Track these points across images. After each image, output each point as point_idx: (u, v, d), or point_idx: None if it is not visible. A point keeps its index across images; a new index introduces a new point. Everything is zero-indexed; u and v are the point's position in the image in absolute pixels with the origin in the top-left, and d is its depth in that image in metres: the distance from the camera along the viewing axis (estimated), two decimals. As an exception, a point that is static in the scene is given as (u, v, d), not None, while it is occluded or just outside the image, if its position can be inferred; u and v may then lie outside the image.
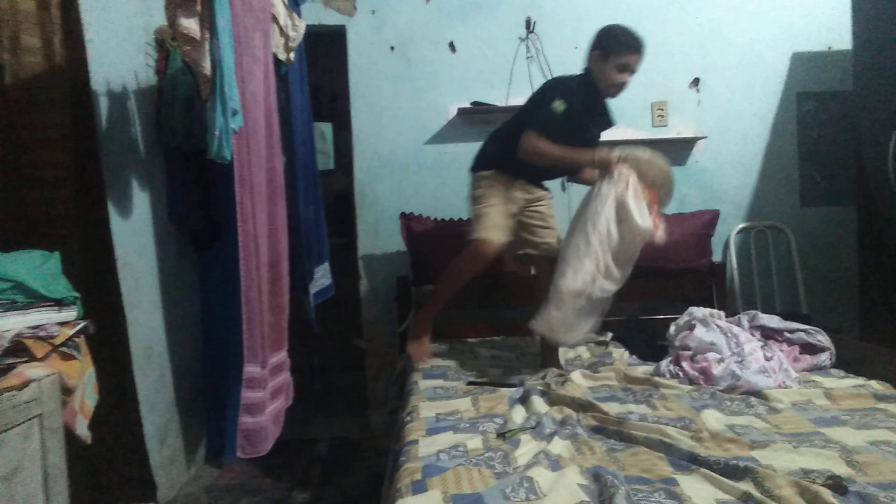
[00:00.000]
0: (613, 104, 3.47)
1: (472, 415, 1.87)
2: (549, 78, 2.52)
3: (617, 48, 2.27)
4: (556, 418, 1.80)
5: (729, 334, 2.30)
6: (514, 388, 2.11)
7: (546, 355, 2.45)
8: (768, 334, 2.43)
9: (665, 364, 2.30)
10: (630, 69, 2.29)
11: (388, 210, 3.28)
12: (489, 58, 3.30)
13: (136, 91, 2.35)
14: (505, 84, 3.30)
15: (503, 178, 2.41)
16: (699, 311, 2.48)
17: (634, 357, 2.56)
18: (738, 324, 2.46)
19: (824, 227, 3.40)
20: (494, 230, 2.35)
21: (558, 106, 2.24)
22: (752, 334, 2.39)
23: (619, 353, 2.56)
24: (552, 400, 1.95)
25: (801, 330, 2.40)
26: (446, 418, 1.85)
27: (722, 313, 2.52)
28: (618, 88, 2.32)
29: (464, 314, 3.24)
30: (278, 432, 2.35)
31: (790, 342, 2.38)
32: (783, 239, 3.37)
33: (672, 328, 2.52)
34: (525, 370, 2.40)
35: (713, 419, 1.78)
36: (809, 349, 2.35)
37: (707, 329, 2.34)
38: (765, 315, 2.50)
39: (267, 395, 2.23)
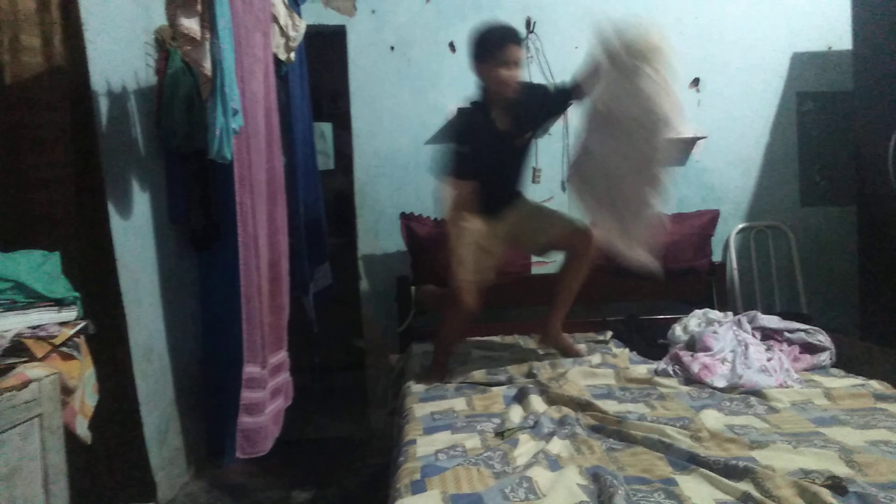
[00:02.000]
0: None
1: (467, 413, 1.87)
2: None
3: (490, 50, 2.22)
4: (554, 417, 1.80)
5: (731, 333, 2.30)
6: (508, 387, 2.11)
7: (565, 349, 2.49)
8: (768, 334, 2.43)
9: (664, 363, 2.30)
10: (513, 61, 2.21)
11: (388, 210, 3.28)
12: (489, 58, 3.30)
13: (136, 91, 2.35)
14: (505, 84, 3.30)
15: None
16: (712, 314, 2.48)
17: (634, 354, 2.56)
18: (739, 325, 2.46)
19: (824, 227, 3.40)
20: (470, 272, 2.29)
21: (460, 148, 2.26)
22: (754, 335, 2.39)
23: (620, 352, 2.56)
24: (550, 399, 1.95)
25: (801, 330, 2.40)
26: (442, 417, 1.85)
27: (730, 313, 2.51)
28: (508, 85, 2.24)
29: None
30: (278, 432, 2.35)
31: (790, 342, 2.38)
32: (783, 239, 3.37)
33: (678, 329, 2.53)
34: (511, 367, 2.41)
35: (712, 419, 1.78)
36: (809, 349, 2.35)
37: (711, 328, 2.34)
38: (765, 316, 2.50)
39: (267, 394, 2.23)
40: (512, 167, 2.48)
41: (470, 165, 2.24)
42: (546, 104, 2.50)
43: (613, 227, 2.17)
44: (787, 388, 2.04)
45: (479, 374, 2.30)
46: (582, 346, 2.60)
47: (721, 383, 2.08)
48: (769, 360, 2.18)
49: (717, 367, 2.14)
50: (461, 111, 2.38)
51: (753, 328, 2.45)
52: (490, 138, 2.30)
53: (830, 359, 2.31)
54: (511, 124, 2.36)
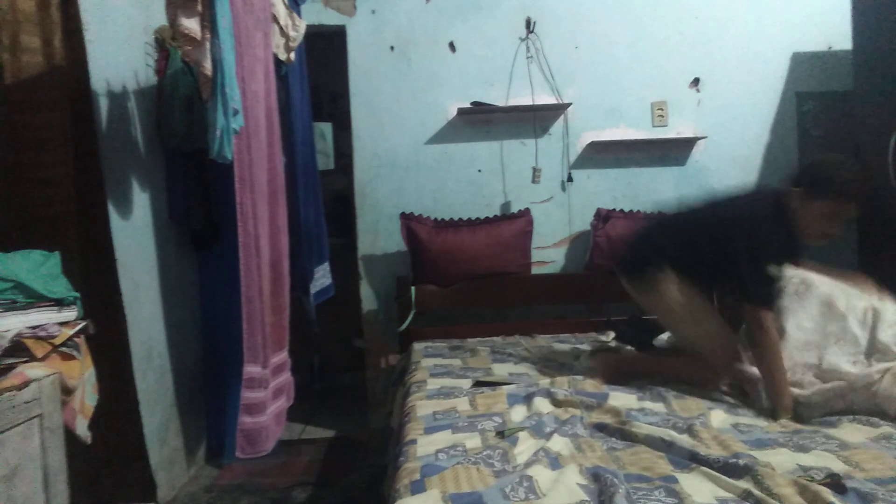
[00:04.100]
0: (612, 103, 3.47)
1: (470, 413, 1.87)
2: (747, 210, 2.03)
3: (834, 193, 1.90)
4: (559, 417, 1.80)
5: None
6: (516, 387, 2.10)
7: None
8: None
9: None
10: (843, 220, 1.94)
11: (388, 210, 3.28)
12: (489, 58, 3.30)
13: (136, 91, 2.35)
14: (505, 84, 3.30)
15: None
16: None
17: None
18: None
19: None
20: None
21: (775, 273, 1.93)
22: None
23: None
24: (557, 401, 1.94)
25: None
26: (444, 417, 1.85)
27: None
28: (825, 239, 1.97)
29: (464, 314, 3.24)
30: (280, 431, 2.36)
31: None
32: (783, 239, 3.37)
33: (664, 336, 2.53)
34: (534, 374, 2.39)
35: (719, 419, 1.78)
36: None
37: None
38: None
39: (269, 394, 2.23)
40: None
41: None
42: None
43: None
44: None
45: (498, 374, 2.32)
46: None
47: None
48: None
49: None
50: (776, 227, 1.97)
51: None
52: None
53: None
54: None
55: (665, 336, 2.53)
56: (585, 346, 2.68)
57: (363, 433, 3.19)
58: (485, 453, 1.51)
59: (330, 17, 3.26)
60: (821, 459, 1.46)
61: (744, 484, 1.33)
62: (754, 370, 2.02)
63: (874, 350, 1.91)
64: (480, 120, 3.30)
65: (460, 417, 1.83)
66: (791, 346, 2.00)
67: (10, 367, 1.28)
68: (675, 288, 2.07)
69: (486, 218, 3.20)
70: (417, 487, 1.37)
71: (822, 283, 2.09)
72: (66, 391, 1.40)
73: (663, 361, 2.29)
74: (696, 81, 3.36)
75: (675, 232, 2.19)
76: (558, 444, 1.59)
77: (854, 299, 2.03)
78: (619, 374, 2.18)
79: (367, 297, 3.32)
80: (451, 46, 3.30)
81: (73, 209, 1.81)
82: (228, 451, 2.19)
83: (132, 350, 2.06)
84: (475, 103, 3.24)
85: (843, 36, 3.12)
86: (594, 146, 3.30)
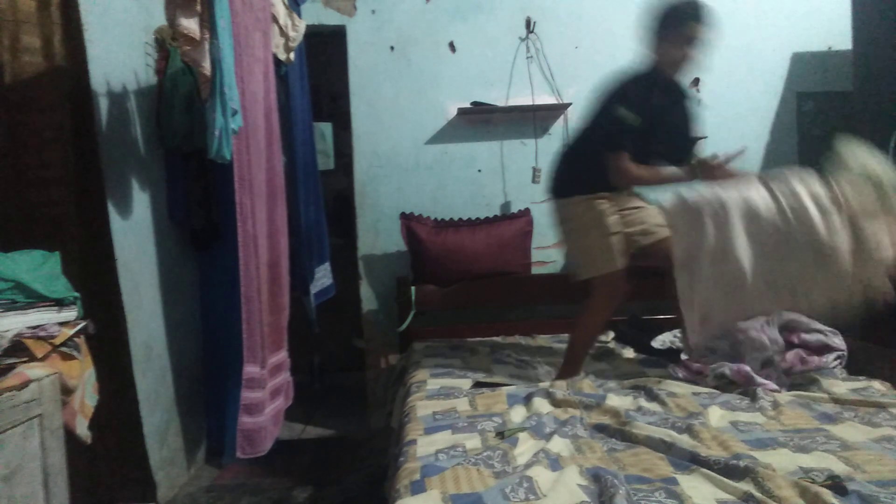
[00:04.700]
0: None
1: (470, 413, 1.87)
2: (610, 80, 2.24)
3: (678, 22, 2.09)
4: (559, 418, 1.80)
5: (728, 337, 2.28)
6: (516, 387, 2.10)
7: (571, 364, 2.31)
8: (785, 338, 2.39)
9: (670, 370, 2.29)
10: (698, 41, 2.10)
11: (388, 210, 3.28)
12: (489, 58, 3.30)
13: (136, 91, 2.35)
14: (505, 84, 3.30)
15: (592, 198, 2.24)
16: None
17: (635, 353, 2.57)
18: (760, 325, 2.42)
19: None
20: (611, 260, 2.18)
21: (624, 115, 2.09)
22: (764, 332, 2.33)
23: (624, 353, 2.56)
24: (556, 402, 1.94)
25: (819, 331, 2.37)
26: (444, 417, 1.85)
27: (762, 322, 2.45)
28: (687, 64, 2.15)
29: (464, 314, 3.24)
30: (277, 432, 2.35)
31: (802, 344, 2.35)
32: (783, 239, 3.37)
33: (666, 337, 2.54)
34: (535, 374, 2.39)
35: (716, 417, 1.78)
36: (822, 350, 2.31)
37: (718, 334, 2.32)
38: (786, 312, 2.45)
39: (266, 395, 2.23)
40: (651, 154, 2.27)
41: (635, 138, 2.11)
42: (687, 119, 2.37)
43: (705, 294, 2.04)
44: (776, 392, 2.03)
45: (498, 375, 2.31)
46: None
47: (712, 382, 2.08)
48: (766, 363, 2.17)
49: (707, 372, 2.14)
50: (629, 79, 2.18)
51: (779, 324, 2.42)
52: (648, 115, 2.14)
53: (841, 361, 2.28)
54: (661, 110, 2.23)
55: (663, 336, 2.54)
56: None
57: (363, 433, 3.19)
58: (485, 454, 1.51)
59: (330, 17, 3.26)
60: (822, 460, 1.46)
61: (744, 485, 1.33)
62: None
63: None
64: (480, 120, 3.30)
65: (460, 418, 1.83)
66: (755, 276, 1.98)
67: (10, 367, 1.28)
68: (579, 207, 2.24)
69: (486, 218, 3.20)
70: (417, 488, 1.37)
71: (732, 198, 2.05)
72: (66, 391, 1.40)
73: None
74: (696, 81, 3.36)
75: (571, 149, 2.41)
76: (558, 444, 1.59)
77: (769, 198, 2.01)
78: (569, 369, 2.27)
79: (367, 297, 3.32)
80: (451, 46, 3.30)
81: (73, 209, 1.81)
82: (228, 451, 2.19)
83: (132, 350, 2.06)
84: (475, 103, 3.24)
85: (843, 36, 3.12)
86: (594, 146, 3.29)
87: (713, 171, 2.11)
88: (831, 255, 1.87)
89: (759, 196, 2.00)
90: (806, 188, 1.95)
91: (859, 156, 1.97)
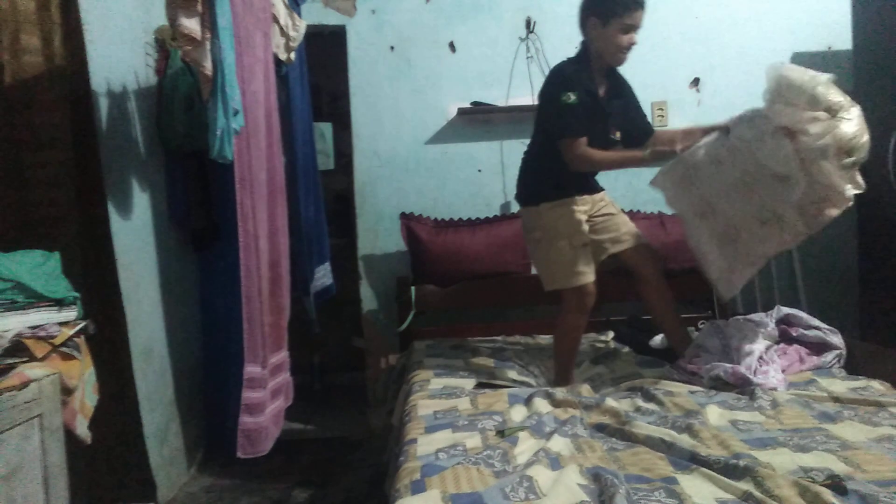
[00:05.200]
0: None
1: (470, 412, 1.87)
2: (549, 72, 2.29)
3: (615, 10, 2.08)
4: (559, 417, 1.80)
5: (723, 336, 2.28)
6: (518, 387, 2.10)
7: (562, 372, 2.30)
8: (784, 331, 2.40)
9: (666, 371, 2.29)
10: (635, 28, 2.12)
11: (388, 210, 3.28)
12: (489, 58, 3.30)
13: (136, 91, 2.35)
14: (505, 84, 3.30)
15: (559, 203, 2.19)
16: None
17: (634, 355, 2.56)
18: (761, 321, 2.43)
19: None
20: (582, 273, 2.16)
21: (568, 98, 2.06)
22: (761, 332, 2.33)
23: (623, 353, 2.56)
24: (556, 402, 1.94)
25: (818, 328, 2.37)
26: (444, 416, 1.85)
27: (762, 315, 2.46)
28: (625, 52, 2.14)
29: (464, 314, 3.24)
30: (278, 432, 2.36)
31: (802, 341, 2.36)
32: (783, 239, 3.36)
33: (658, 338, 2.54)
34: (537, 378, 2.39)
35: (715, 416, 1.78)
36: (820, 349, 2.31)
37: (709, 333, 2.32)
38: (785, 308, 2.48)
39: (267, 394, 2.23)
40: (603, 140, 2.22)
41: (583, 120, 2.08)
42: (635, 107, 2.35)
43: (714, 249, 2.12)
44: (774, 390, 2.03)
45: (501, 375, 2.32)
46: None
47: (708, 384, 2.08)
48: (763, 363, 2.17)
49: (703, 372, 2.14)
50: (564, 64, 2.19)
51: (778, 320, 2.42)
52: (591, 98, 2.13)
53: (839, 361, 2.28)
54: (605, 96, 2.22)
55: (661, 337, 2.54)
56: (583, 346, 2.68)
57: (363, 433, 3.19)
58: (485, 453, 1.51)
59: (330, 17, 3.26)
60: (821, 460, 1.46)
61: (744, 485, 1.33)
62: None
63: None
64: (480, 120, 3.30)
65: (461, 417, 1.83)
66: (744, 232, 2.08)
67: (10, 367, 1.28)
68: (548, 215, 2.21)
69: (486, 218, 3.20)
70: (418, 487, 1.37)
71: (696, 154, 2.13)
72: (66, 391, 1.40)
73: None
74: (696, 81, 3.36)
75: (530, 154, 2.36)
76: (558, 444, 1.59)
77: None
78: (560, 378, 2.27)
79: (367, 297, 3.32)
80: (451, 46, 3.30)
81: (73, 209, 1.81)
82: (228, 451, 2.19)
83: (132, 350, 2.06)
84: (475, 103, 3.24)
85: (843, 36, 3.12)
86: (594, 146, 3.29)
87: (671, 143, 2.13)
88: (790, 177, 1.95)
89: (718, 143, 2.11)
90: (756, 125, 2.05)
91: (792, 79, 2.05)
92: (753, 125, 2.05)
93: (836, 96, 1.97)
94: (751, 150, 2.01)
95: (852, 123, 1.95)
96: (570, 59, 2.23)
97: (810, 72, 2.03)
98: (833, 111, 1.94)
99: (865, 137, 1.99)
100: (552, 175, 2.20)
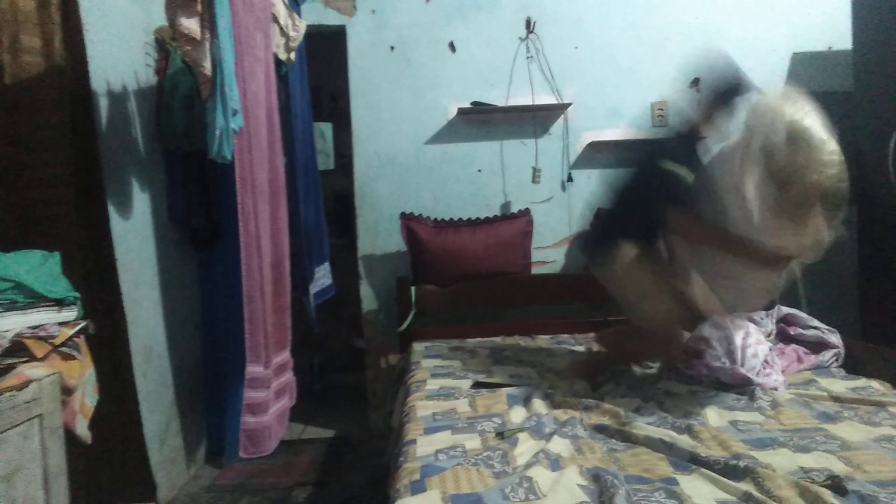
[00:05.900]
0: (612, 103, 3.47)
1: (469, 414, 1.87)
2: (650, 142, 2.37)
3: (730, 98, 2.25)
4: (558, 418, 1.80)
5: (722, 333, 2.27)
6: (516, 388, 2.10)
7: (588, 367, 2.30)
8: (782, 330, 2.39)
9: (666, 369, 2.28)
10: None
11: (388, 210, 3.28)
12: (489, 58, 3.30)
13: (136, 91, 2.35)
14: (505, 84, 3.30)
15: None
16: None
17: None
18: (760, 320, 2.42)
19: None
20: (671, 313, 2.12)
21: (671, 167, 2.09)
22: (760, 330, 2.32)
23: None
24: (556, 403, 1.94)
25: (817, 328, 2.37)
26: (444, 417, 1.85)
27: (762, 314, 2.45)
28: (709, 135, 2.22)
29: (464, 314, 3.24)
30: (283, 432, 2.36)
31: (800, 340, 2.35)
32: (783, 239, 3.36)
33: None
34: (537, 378, 2.38)
35: (715, 417, 1.78)
36: (818, 348, 2.31)
37: (709, 329, 2.32)
38: (785, 307, 2.47)
39: (271, 394, 2.24)
40: None
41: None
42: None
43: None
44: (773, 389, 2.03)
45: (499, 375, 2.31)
46: None
47: (709, 383, 2.07)
48: (765, 361, 2.16)
49: (703, 369, 2.13)
50: (675, 137, 2.27)
51: (778, 320, 2.42)
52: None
53: (837, 360, 2.29)
54: None
55: None
56: (581, 347, 2.68)
57: (363, 433, 3.19)
58: (485, 454, 1.51)
59: (330, 17, 3.26)
60: (822, 460, 1.46)
61: (744, 486, 1.33)
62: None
63: None
64: (480, 120, 3.30)
65: (460, 418, 1.83)
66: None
67: (10, 367, 1.28)
68: (629, 264, 2.14)
69: (486, 218, 3.20)
70: (417, 488, 1.37)
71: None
72: (66, 391, 1.40)
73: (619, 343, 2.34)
74: (696, 81, 3.36)
75: (618, 205, 2.28)
76: (558, 445, 1.59)
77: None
78: (587, 370, 2.26)
79: (367, 297, 3.32)
80: (451, 46, 3.30)
81: (73, 209, 1.81)
82: (229, 451, 2.19)
83: (132, 350, 2.06)
84: (475, 103, 3.24)
85: (843, 36, 3.12)
86: (594, 146, 3.29)
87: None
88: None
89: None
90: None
91: (780, 113, 2.05)
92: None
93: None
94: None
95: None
96: (677, 133, 2.29)
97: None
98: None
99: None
100: (635, 227, 2.20)
